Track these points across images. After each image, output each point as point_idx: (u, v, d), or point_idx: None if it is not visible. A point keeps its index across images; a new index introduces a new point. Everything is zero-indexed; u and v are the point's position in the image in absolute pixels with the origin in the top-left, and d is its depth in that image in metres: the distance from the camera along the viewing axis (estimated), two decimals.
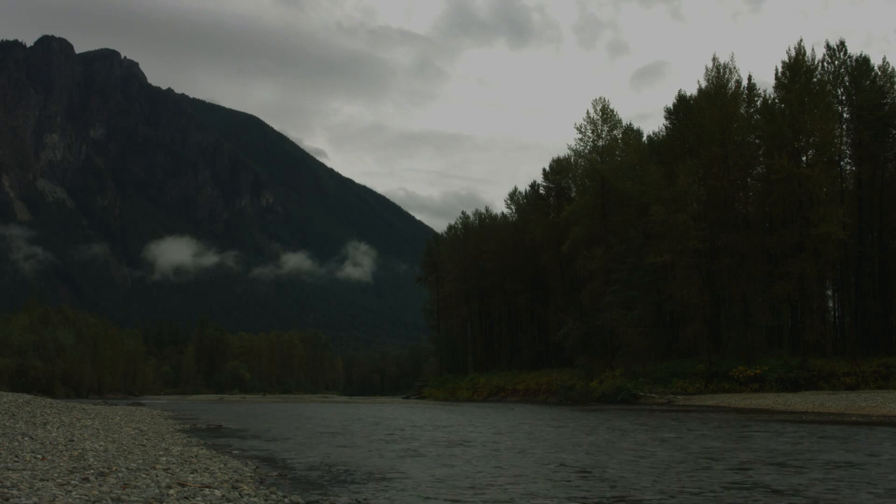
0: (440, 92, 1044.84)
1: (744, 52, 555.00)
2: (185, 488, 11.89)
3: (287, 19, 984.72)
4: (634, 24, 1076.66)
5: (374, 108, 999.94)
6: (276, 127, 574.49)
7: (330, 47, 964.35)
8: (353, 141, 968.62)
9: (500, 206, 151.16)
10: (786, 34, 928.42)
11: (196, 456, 17.75)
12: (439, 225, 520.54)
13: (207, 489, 11.97)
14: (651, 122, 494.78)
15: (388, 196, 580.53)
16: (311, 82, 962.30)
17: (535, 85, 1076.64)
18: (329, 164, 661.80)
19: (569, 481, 14.61)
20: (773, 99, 62.14)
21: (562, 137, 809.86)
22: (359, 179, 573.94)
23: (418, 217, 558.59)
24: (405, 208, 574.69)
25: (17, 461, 13.76)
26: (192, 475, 13.83)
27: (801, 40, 59.88)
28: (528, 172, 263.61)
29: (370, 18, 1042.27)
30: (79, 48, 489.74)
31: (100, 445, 18.43)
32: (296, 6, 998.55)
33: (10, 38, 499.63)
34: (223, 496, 11.43)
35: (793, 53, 59.58)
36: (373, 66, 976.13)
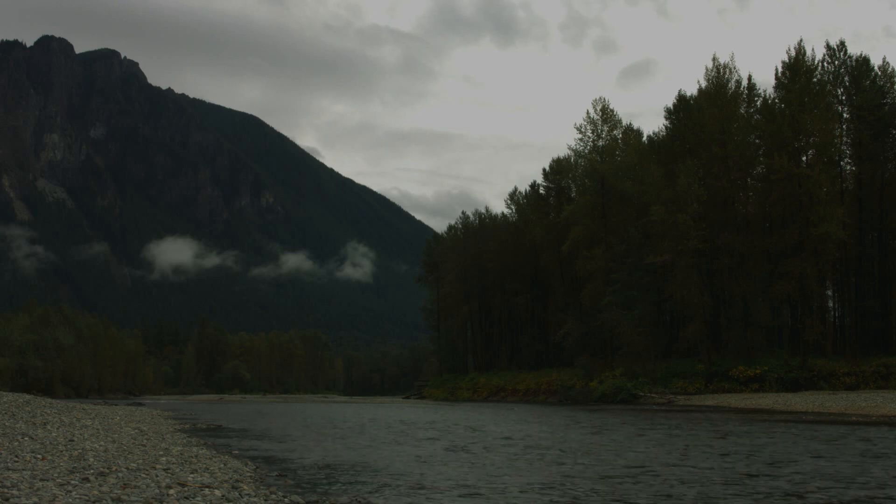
0: (429, 90, 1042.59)
1: (732, 49, 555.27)
2: (185, 488, 11.89)
3: (275, 18, 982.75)
4: (621, 21, 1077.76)
5: (363, 107, 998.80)
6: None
7: (317, 46, 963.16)
8: (343, 140, 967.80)
9: (493, 205, 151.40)
10: (773, 32, 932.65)
11: (196, 456, 17.75)
12: (434, 224, 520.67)
13: (207, 489, 11.97)
14: (641, 121, 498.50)
15: (381, 195, 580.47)
16: (299, 81, 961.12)
17: (523, 83, 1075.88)
18: (327, 164, 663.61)
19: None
20: (773, 99, 62.16)
21: (553, 136, 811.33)
22: (353, 179, 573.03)
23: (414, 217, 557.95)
24: (403, 208, 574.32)
25: (17, 461, 13.76)
26: (192, 475, 13.83)
27: (801, 40, 59.92)
28: (520, 171, 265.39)
29: (355, 16, 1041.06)
30: (79, 48, 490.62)
31: (100, 445, 18.43)
32: (282, 5, 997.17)
33: (10, 38, 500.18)
34: (223, 496, 11.44)
35: (793, 53, 59.63)
36: (360, 65, 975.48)
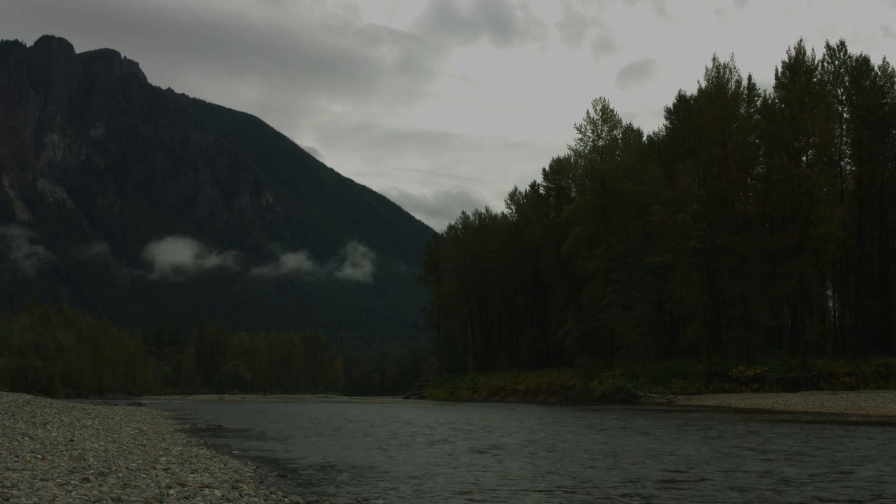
0: (427, 90, 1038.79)
1: (731, 49, 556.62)
2: (185, 488, 11.88)
3: (273, 18, 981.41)
4: (619, 21, 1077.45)
5: (361, 107, 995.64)
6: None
7: (315, 45, 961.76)
8: (342, 140, 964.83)
9: (492, 205, 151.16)
10: (772, 32, 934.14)
11: (196, 456, 17.75)
12: (434, 224, 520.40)
13: (207, 489, 11.97)
14: (640, 121, 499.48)
15: (381, 195, 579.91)
16: (298, 81, 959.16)
17: (521, 83, 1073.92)
18: (326, 164, 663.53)
19: None
20: (773, 99, 62.17)
21: (552, 136, 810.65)
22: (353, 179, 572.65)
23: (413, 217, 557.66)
24: (403, 208, 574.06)
25: (17, 461, 13.75)
26: (192, 475, 13.82)
27: (800, 40, 59.90)
28: (519, 171, 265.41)
29: (354, 16, 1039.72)
30: (79, 48, 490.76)
31: (100, 445, 18.42)
32: (280, 5, 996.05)
33: (10, 38, 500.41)
34: (223, 496, 11.43)
35: (793, 53, 59.63)
36: (358, 65, 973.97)
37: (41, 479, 11.56)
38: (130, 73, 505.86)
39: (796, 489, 13.39)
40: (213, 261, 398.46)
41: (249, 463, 17.35)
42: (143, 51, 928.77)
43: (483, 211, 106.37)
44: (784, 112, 58.74)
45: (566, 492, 13.38)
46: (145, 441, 21.34)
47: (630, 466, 16.71)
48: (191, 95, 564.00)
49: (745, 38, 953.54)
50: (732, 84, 63.79)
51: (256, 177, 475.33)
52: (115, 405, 60.85)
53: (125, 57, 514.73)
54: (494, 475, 15.41)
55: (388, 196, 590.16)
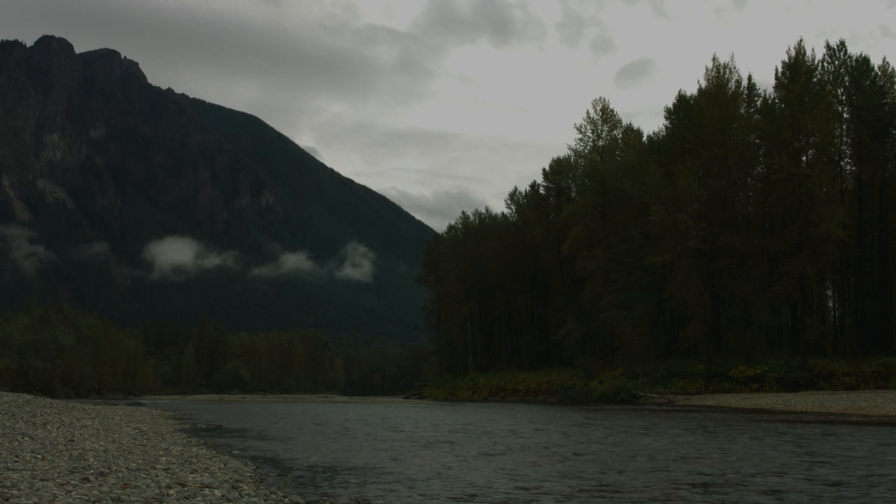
0: (426, 90, 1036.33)
1: (730, 49, 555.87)
2: (185, 488, 11.88)
3: (273, 18, 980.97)
4: (618, 21, 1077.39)
5: (360, 107, 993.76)
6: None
7: (314, 45, 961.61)
8: (340, 140, 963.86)
9: (492, 205, 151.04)
10: (771, 31, 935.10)
11: (196, 456, 17.74)
12: (434, 224, 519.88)
13: (207, 489, 11.97)
14: (638, 120, 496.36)
15: (381, 195, 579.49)
16: (297, 81, 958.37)
17: (520, 83, 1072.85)
18: (326, 164, 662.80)
19: None
20: (773, 99, 62.18)
21: (551, 136, 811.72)
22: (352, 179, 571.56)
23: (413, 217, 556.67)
24: (403, 208, 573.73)
25: (17, 461, 13.75)
26: (192, 475, 13.82)
27: (800, 40, 59.94)
28: (518, 171, 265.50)
29: (352, 16, 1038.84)
30: (79, 48, 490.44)
31: (100, 445, 18.42)
32: (278, 5, 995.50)
33: (10, 38, 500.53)
34: (223, 496, 11.43)
35: (793, 53, 59.65)
36: (357, 64, 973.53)
37: (41, 479, 11.56)
38: (130, 73, 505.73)
39: (832, 493, 12.86)
40: (213, 261, 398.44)
41: (249, 463, 17.35)
42: (143, 51, 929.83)
43: (483, 211, 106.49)
44: (784, 112, 58.74)
45: (586, 494, 13.00)
46: (145, 441, 21.34)
47: (652, 468, 16.27)
48: (191, 95, 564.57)
49: (744, 38, 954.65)
50: (732, 84, 63.79)
51: (256, 177, 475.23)
52: (115, 405, 60.84)
53: (125, 57, 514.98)
54: (502, 477, 15.22)
55: (387, 196, 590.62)
